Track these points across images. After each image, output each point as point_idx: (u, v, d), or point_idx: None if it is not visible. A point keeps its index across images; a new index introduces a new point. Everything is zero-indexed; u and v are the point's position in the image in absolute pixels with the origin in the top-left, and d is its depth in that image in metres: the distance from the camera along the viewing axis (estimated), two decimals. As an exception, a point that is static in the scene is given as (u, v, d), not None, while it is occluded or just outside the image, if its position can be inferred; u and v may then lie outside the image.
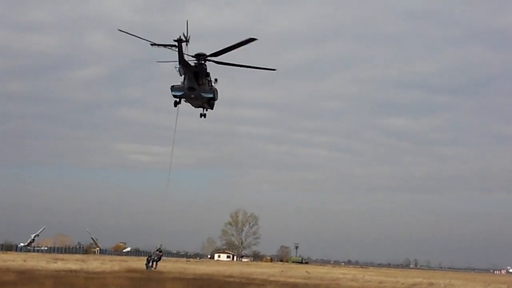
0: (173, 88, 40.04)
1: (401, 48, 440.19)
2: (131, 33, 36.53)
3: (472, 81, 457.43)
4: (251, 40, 35.63)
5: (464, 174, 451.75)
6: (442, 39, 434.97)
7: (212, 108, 41.48)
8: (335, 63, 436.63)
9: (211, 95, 40.35)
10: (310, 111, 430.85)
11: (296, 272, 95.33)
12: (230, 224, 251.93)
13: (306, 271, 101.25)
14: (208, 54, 38.47)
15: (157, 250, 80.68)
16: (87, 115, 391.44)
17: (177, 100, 40.36)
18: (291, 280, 66.22)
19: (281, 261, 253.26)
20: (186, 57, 37.66)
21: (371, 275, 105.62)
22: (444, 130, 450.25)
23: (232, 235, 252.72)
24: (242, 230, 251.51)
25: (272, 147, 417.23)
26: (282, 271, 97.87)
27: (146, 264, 77.58)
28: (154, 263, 76.92)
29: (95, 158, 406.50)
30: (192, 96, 39.95)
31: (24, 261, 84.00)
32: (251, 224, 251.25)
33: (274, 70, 40.56)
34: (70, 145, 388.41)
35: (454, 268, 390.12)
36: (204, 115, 41.98)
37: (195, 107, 41.40)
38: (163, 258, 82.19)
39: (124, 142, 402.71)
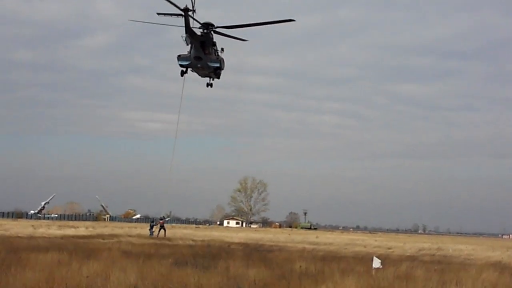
0: (179, 57, 39.99)
1: (413, 13, 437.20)
2: (143, 21, 36.81)
3: (484, 46, 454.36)
4: (289, 20, 35.57)
5: (475, 140, 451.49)
6: (454, 4, 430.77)
7: (218, 78, 41.44)
8: (346, 30, 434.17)
9: (218, 65, 40.27)
10: (320, 78, 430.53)
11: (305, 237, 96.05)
12: (239, 190, 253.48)
13: (317, 236, 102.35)
14: (216, 25, 38.32)
15: (160, 218, 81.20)
16: (95, 83, 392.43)
17: (184, 69, 40.36)
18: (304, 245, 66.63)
19: (290, 227, 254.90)
20: (192, 25, 37.51)
21: (379, 240, 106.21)
22: (455, 96, 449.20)
23: (241, 201, 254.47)
24: (251, 197, 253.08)
25: (282, 114, 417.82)
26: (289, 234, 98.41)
27: (149, 230, 78.83)
28: (159, 230, 77.20)
29: (104, 126, 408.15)
30: (199, 65, 39.87)
31: (34, 228, 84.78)
32: (260, 190, 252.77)
33: (293, 20, 39.27)
34: (79, 113, 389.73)
35: (463, 233, 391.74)
36: (211, 85, 41.92)
37: (202, 76, 41.36)
38: (169, 224, 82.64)
39: (133, 110, 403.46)
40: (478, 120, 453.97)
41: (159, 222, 78.91)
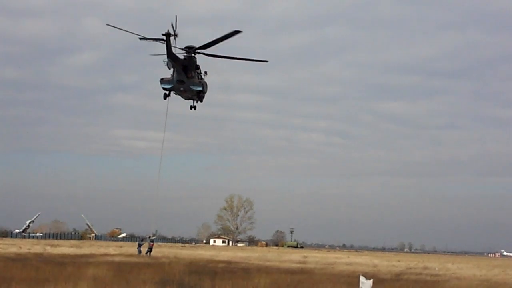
0: (162, 80, 40.15)
1: (398, 32, 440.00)
2: (120, 27, 36.58)
3: (470, 65, 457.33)
4: (236, 32, 35.67)
5: (461, 158, 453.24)
6: (440, 23, 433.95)
7: (201, 101, 41.63)
8: (332, 48, 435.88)
9: (200, 88, 40.44)
10: (307, 96, 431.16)
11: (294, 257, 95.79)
12: (225, 209, 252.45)
13: (304, 256, 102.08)
14: (197, 46, 38.52)
15: (149, 239, 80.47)
16: (82, 101, 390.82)
17: (167, 92, 40.50)
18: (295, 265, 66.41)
19: (276, 245, 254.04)
20: (175, 50, 37.67)
21: (365, 259, 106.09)
22: (441, 114, 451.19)
23: (228, 220, 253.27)
24: (237, 215, 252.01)
25: (268, 132, 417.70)
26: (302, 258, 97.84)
27: (137, 249, 78.85)
28: (147, 250, 76.80)
29: (91, 144, 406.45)
30: (182, 89, 40.03)
31: (20, 247, 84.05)
32: (246, 209, 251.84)
33: (266, 61, 40.88)
34: (65, 132, 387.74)
35: (449, 252, 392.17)
36: (194, 107, 42.10)
37: (185, 99, 41.53)
38: (156, 243, 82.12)
39: (119, 128, 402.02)
40: (464, 139, 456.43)
41: (150, 244, 78.31)
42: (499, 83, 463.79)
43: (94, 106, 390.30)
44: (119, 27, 36.22)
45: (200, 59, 39.49)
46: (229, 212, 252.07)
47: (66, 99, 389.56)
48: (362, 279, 31.43)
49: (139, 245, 79.72)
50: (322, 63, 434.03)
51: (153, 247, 78.73)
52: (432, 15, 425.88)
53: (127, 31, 36.08)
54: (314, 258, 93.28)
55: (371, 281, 31.05)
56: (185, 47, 38.39)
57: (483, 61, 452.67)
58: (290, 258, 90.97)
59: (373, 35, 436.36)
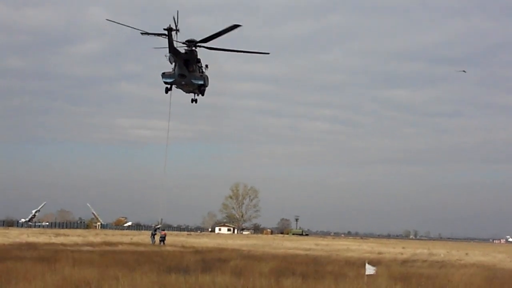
0: (164, 75, 40.36)
1: (403, 19, 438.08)
2: (120, 22, 36.87)
3: (475, 51, 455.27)
4: (236, 26, 35.79)
5: (465, 146, 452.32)
6: (444, 10, 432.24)
7: (203, 94, 41.89)
8: (336, 36, 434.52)
9: (202, 82, 40.70)
10: (311, 84, 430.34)
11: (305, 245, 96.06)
12: (230, 197, 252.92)
13: (315, 244, 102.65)
14: (198, 40, 38.67)
15: (157, 228, 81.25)
16: (87, 91, 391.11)
17: (168, 86, 40.71)
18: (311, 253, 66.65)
19: (282, 233, 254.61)
20: (176, 44, 37.85)
21: (371, 246, 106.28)
22: (445, 102, 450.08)
23: (233, 208, 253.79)
24: (243, 203, 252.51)
25: (273, 120, 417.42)
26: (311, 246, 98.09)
27: (151, 238, 79.30)
28: (161, 242, 77.12)
29: (96, 134, 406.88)
30: (183, 82, 40.29)
31: (28, 236, 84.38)
32: (251, 197, 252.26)
33: (267, 53, 41.06)
34: (70, 121, 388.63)
35: (454, 238, 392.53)
36: (196, 101, 42.34)
37: (186, 92, 41.79)
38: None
39: (124, 117, 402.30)
40: (469, 126, 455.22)
41: (162, 233, 78.93)
42: (503, 70, 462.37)
43: (99, 96, 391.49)
44: (119, 22, 36.50)
45: (201, 52, 39.67)
46: (234, 201, 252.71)
47: (71, 89, 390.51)
48: (367, 266, 31.60)
49: (153, 235, 79.92)
50: (326, 51, 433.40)
51: (165, 235, 79.31)
52: (436, 2, 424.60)
53: (127, 25, 36.25)
54: (325, 246, 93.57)
55: (375, 268, 31.27)
56: (186, 41, 38.54)
57: (487, 48, 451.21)
58: (299, 245, 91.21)
59: (377, 22, 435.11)
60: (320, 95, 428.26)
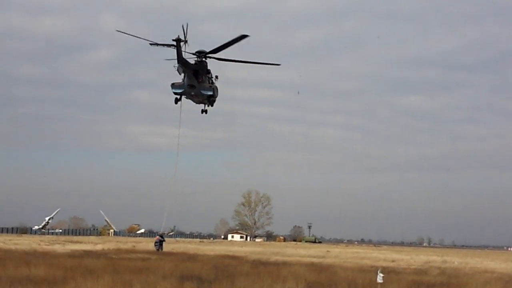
0: (173, 85, 40.38)
1: (417, 25, 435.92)
2: (129, 33, 37.18)
3: (490, 58, 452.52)
4: (244, 36, 35.79)
5: (480, 153, 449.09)
6: (460, 16, 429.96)
7: (212, 105, 41.87)
8: (350, 42, 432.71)
9: (211, 93, 40.66)
10: (325, 91, 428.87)
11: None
12: (243, 204, 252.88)
13: (328, 251, 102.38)
14: (207, 51, 38.69)
15: (160, 235, 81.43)
16: (99, 98, 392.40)
17: (178, 97, 40.69)
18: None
19: (294, 240, 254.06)
20: (186, 54, 37.94)
21: (384, 253, 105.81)
22: (460, 108, 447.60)
23: (245, 215, 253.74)
24: (255, 211, 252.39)
25: (285, 127, 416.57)
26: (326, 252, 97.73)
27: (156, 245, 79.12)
28: (160, 246, 77.50)
29: (109, 141, 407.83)
30: (192, 93, 40.30)
31: (39, 244, 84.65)
32: (264, 204, 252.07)
33: (278, 64, 40.88)
34: (84, 128, 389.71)
35: (468, 246, 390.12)
36: (206, 111, 42.34)
37: (196, 103, 41.80)
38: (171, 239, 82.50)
39: (137, 124, 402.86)
40: (484, 133, 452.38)
41: (156, 238, 79.74)
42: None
43: (111, 103, 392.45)
44: (132, 31, 36.83)
45: (211, 61, 39.68)
46: (247, 208, 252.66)
47: (84, 96, 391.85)
48: (379, 274, 31.53)
49: (156, 243, 79.79)
50: (339, 58, 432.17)
51: (171, 242, 79.37)
52: (450, 8, 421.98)
53: (136, 36, 36.47)
54: (338, 254, 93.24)
55: (382, 275, 31.29)
56: (196, 52, 38.58)
57: (502, 54, 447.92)
58: (312, 253, 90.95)
59: (390, 28, 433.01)
60: (333, 102, 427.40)
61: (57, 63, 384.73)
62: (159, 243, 78.25)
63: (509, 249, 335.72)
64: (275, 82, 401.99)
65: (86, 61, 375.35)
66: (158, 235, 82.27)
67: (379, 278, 30.62)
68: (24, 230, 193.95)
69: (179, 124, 43.47)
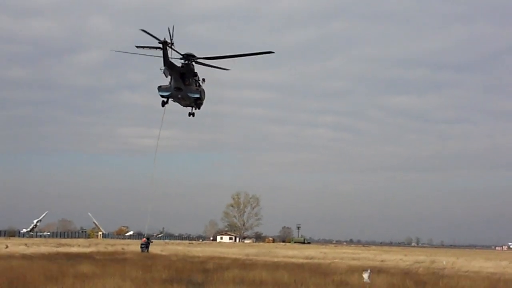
0: (160, 88, 40.40)
1: (407, 25, 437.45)
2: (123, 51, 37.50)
3: (479, 58, 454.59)
4: (231, 56, 35.97)
5: (469, 152, 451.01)
6: (447, 16, 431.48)
7: (199, 108, 41.89)
8: (339, 43, 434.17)
9: (198, 96, 40.69)
10: (314, 91, 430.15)
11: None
12: (232, 206, 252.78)
13: (323, 252, 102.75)
14: (197, 56, 38.82)
15: (147, 238, 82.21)
16: (89, 100, 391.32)
17: (165, 100, 40.69)
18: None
19: (283, 241, 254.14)
20: (176, 55, 38.09)
21: (373, 253, 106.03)
22: (449, 108, 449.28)
23: (234, 216, 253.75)
24: (244, 212, 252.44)
25: (275, 128, 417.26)
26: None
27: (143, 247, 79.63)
28: (146, 248, 78.16)
29: (98, 143, 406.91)
30: (179, 96, 40.31)
31: (27, 246, 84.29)
32: (253, 205, 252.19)
33: (272, 52, 39.98)
34: (73, 131, 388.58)
35: (456, 246, 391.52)
36: (193, 114, 42.34)
37: (183, 106, 41.80)
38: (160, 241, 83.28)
39: (126, 126, 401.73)
40: (473, 133, 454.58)
41: (143, 240, 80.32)
42: (507, 76, 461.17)
43: (101, 105, 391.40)
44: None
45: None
46: (236, 209, 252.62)
47: (73, 98, 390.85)
48: (365, 273, 31.72)
49: (141, 245, 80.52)
50: (329, 58, 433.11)
51: (160, 244, 79.87)
52: (439, 8, 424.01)
53: (127, 52, 36.61)
54: (327, 254, 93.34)
55: (369, 274, 31.47)
56: (184, 54, 38.57)
57: (491, 54, 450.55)
58: (301, 253, 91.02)
59: (380, 29, 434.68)
60: (323, 102, 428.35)
61: (45, 65, 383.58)
62: (145, 245, 78.74)
63: (497, 248, 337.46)
64: (265, 83, 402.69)
65: (75, 63, 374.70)
66: (145, 237, 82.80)
67: (366, 277, 30.73)
68: (12, 233, 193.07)
69: (160, 126, 43.56)
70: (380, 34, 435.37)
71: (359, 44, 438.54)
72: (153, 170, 52.04)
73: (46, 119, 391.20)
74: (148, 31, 35.35)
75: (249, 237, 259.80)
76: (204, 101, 41.84)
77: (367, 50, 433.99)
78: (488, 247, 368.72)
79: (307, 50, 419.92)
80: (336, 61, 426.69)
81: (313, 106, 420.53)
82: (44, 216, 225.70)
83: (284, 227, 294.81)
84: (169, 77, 39.40)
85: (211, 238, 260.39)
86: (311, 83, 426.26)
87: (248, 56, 39.15)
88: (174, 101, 40.86)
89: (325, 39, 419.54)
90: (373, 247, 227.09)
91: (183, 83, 39.52)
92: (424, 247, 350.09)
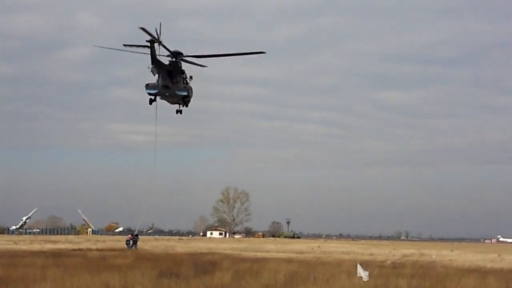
0: (147, 86, 40.43)
1: (395, 20, 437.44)
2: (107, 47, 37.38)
3: (467, 52, 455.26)
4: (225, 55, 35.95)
5: (458, 147, 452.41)
6: (436, 10, 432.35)
7: (187, 106, 41.94)
8: (328, 38, 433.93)
9: (186, 93, 40.75)
10: (304, 87, 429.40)
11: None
12: (221, 201, 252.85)
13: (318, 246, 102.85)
14: (184, 54, 38.87)
15: (135, 234, 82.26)
16: (77, 96, 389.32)
17: (152, 98, 40.76)
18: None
19: (273, 236, 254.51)
20: (164, 52, 38.10)
21: (362, 247, 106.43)
22: (438, 103, 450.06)
23: (224, 212, 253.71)
24: (234, 207, 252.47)
25: (265, 124, 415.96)
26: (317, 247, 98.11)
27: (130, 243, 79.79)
28: (134, 244, 78.43)
29: (87, 139, 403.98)
30: (167, 94, 40.39)
31: (16, 244, 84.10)
32: (242, 200, 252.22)
33: (263, 53, 40.17)
34: (61, 127, 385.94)
35: (445, 239, 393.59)
36: (180, 111, 42.39)
37: (171, 104, 41.88)
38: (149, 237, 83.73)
39: (115, 122, 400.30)
40: (461, 127, 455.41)
41: (128, 236, 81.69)
42: (495, 70, 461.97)
43: (89, 101, 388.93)
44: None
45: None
46: (225, 204, 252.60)
47: (62, 94, 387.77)
48: (359, 267, 31.77)
49: (133, 241, 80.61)
50: (318, 54, 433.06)
51: (149, 240, 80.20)
52: (428, 2, 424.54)
53: (111, 48, 36.51)
54: (317, 248, 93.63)
55: (367, 273, 31.50)
56: (173, 51, 38.58)
57: (479, 49, 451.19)
58: (291, 248, 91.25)
59: (368, 24, 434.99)
60: (312, 98, 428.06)
61: (34, 61, 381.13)
62: (132, 241, 78.99)
63: (485, 241, 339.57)
64: (254, 79, 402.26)
65: (63, 59, 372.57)
66: (130, 233, 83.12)
67: (364, 275, 30.66)
68: (1, 230, 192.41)
69: (155, 124, 43.61)
70: (369, 29, 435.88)
71: (348, 39, 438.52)
72: (154, 167, 52.04)
73: (34, 115, 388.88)
74: (136, 27, 35.39)
75: (239, 232, 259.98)
76: (192, 98, 41.89)
77: (356, 45, 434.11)
78: (477, 240, 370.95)
79: (296, 46, 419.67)
80: (325, 56, 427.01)
81: (303, 102, 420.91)
82: (33, 213, 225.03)
83: (274, 222, 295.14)
84: (157, 75, 39.40)
85: (201, 234, 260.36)
86: (300, 79, 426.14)
87: (239, 56, 39.54)
88: (161, 98, 40.91)
89: (313, 34, 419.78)
90: (362, 241, 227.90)
91: (171, 81, 39.59)
92: (414, 240, 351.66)
